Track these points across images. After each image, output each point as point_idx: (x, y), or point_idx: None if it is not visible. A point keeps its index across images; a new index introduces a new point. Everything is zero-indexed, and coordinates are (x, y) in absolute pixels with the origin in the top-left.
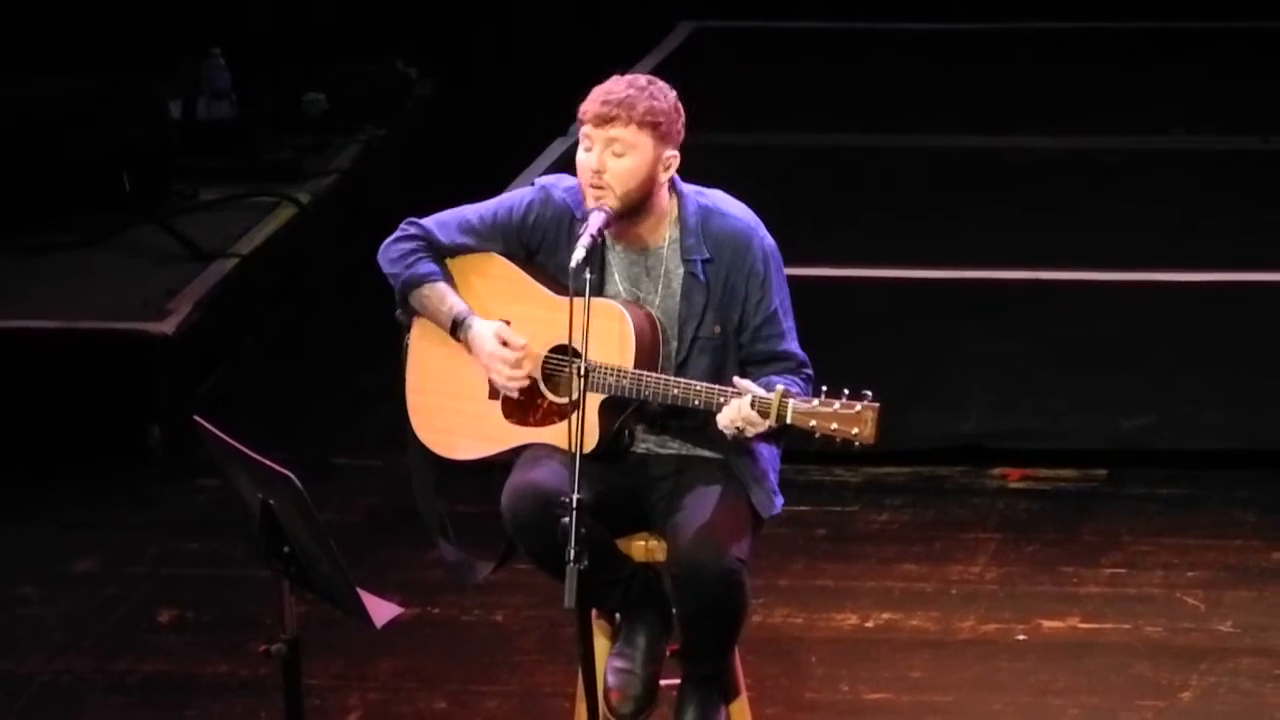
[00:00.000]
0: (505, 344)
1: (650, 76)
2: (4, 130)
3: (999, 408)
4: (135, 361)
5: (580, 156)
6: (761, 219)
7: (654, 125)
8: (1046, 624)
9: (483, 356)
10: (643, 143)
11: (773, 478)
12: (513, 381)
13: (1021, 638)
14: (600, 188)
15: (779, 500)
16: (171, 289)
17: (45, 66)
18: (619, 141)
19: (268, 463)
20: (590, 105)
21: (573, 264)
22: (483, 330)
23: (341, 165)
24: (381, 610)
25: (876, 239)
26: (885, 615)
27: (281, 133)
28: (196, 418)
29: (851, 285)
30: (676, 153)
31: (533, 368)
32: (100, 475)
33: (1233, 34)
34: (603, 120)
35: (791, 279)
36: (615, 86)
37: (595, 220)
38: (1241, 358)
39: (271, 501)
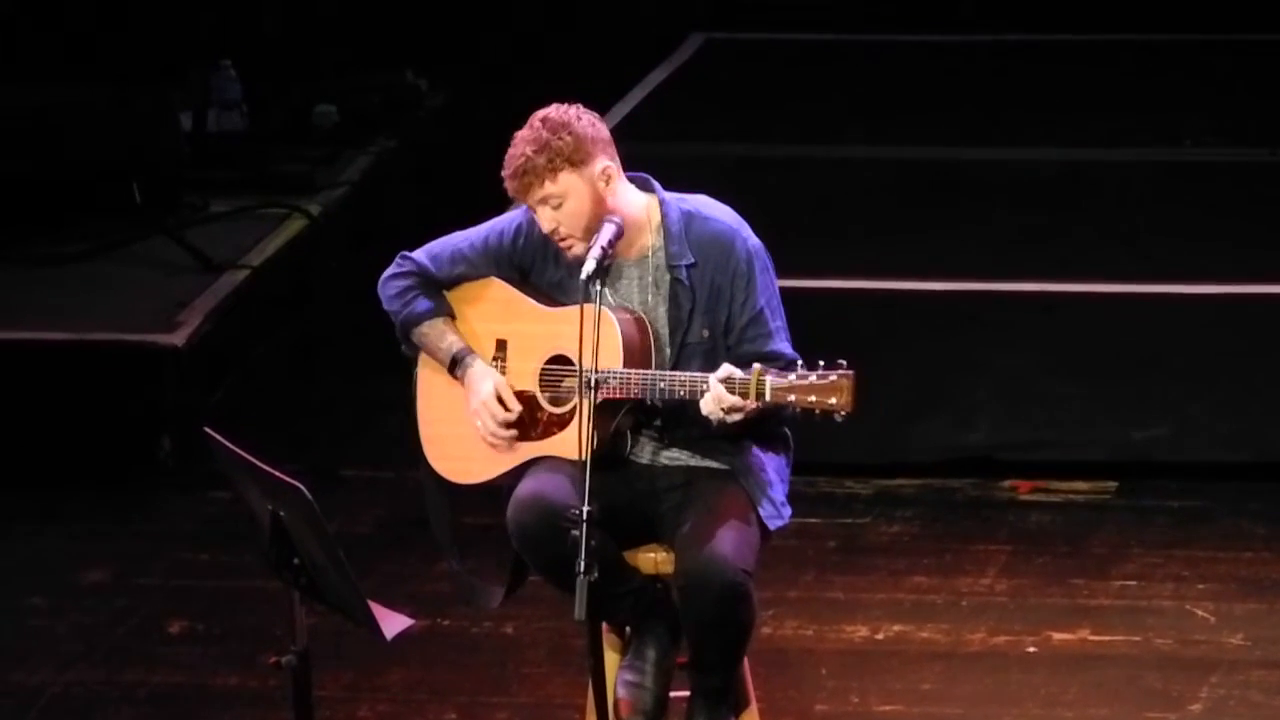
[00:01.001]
0: (501, 401)
1: (544, 113)
2: (15, 140)
3: (1009, 420)
4: (146, 373)
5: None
6: (771, 230)
7: (565, 162)
8: (1057, 636)
9: (474, 402)
10: (568, 183)
11: (781, 489)
12: (494, 438)
13: (1032, 650)
14: (564, 239)
15: (787, 512)
16: (182, 300)
17: (56, 77)
18: (550, 197)
19: (277, 474)
20: (508, 184)
21: (583, 276)
22: (480, 375)
23: (352, 177)
24: (391, 622)
25: (885, 251)
26: (896, 627)
27: (292, 144)
28: (207, 429)
29: (861, 297)
30: (607, 161)
31: (532, 384)
32: (110, 486)
33: (1242, 46)
34: (524, 191)
35: (800, 291)
36: (514, 152)
37: (606, 232)
38: (1252, 370)
39: (281, 513)
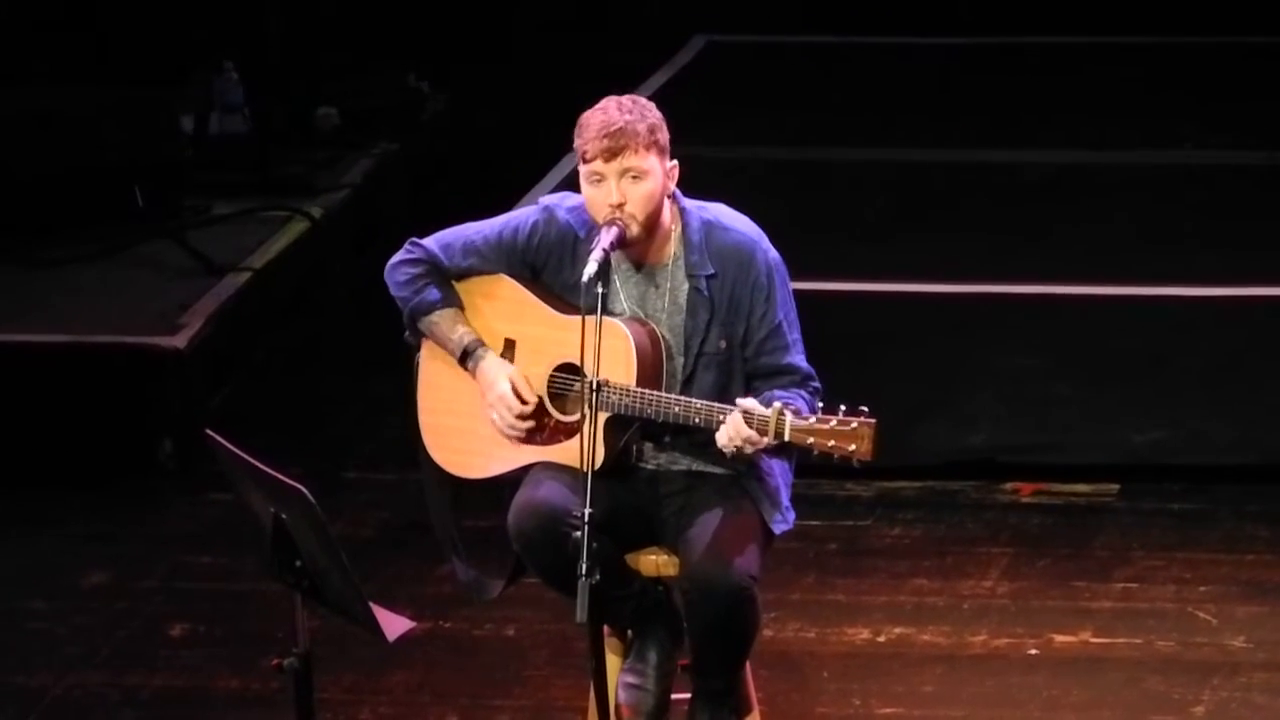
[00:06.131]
0: (516, 392)
1: (634, 97)
2: (17, 144)
3: (1011, 422)
4: (148, 375)
5: (591, 193)
6: (774, 233)
7: (657, 143)
8: (1058, 639)
9: (490, 396)
10: (652, 163)
11: (784, 493)
12: (512, 431)
13: (1033, 652)
14: (627, 216)
15: (791, 516)
16: (184, 303)
17: (58, 80)
18: (634, 169)
19: (279, 476)
20: (593, 142)
21: (584, 279)
22: (493, 369)
23: (354, 180)
24: (393, 624)
25: (888, 253)
26: (897, 630)
27: (294, 147)
28: (208, 431)
29: (863, 299)
30: (675, 161)
31: (539, 388)
32: (112, 489)
33: (1242, 49)
34: (613, 153)
35: (803, 293)
36: (611, 117)
37: (607, 236)
38: (1252, 372)
39: (283, 515)
